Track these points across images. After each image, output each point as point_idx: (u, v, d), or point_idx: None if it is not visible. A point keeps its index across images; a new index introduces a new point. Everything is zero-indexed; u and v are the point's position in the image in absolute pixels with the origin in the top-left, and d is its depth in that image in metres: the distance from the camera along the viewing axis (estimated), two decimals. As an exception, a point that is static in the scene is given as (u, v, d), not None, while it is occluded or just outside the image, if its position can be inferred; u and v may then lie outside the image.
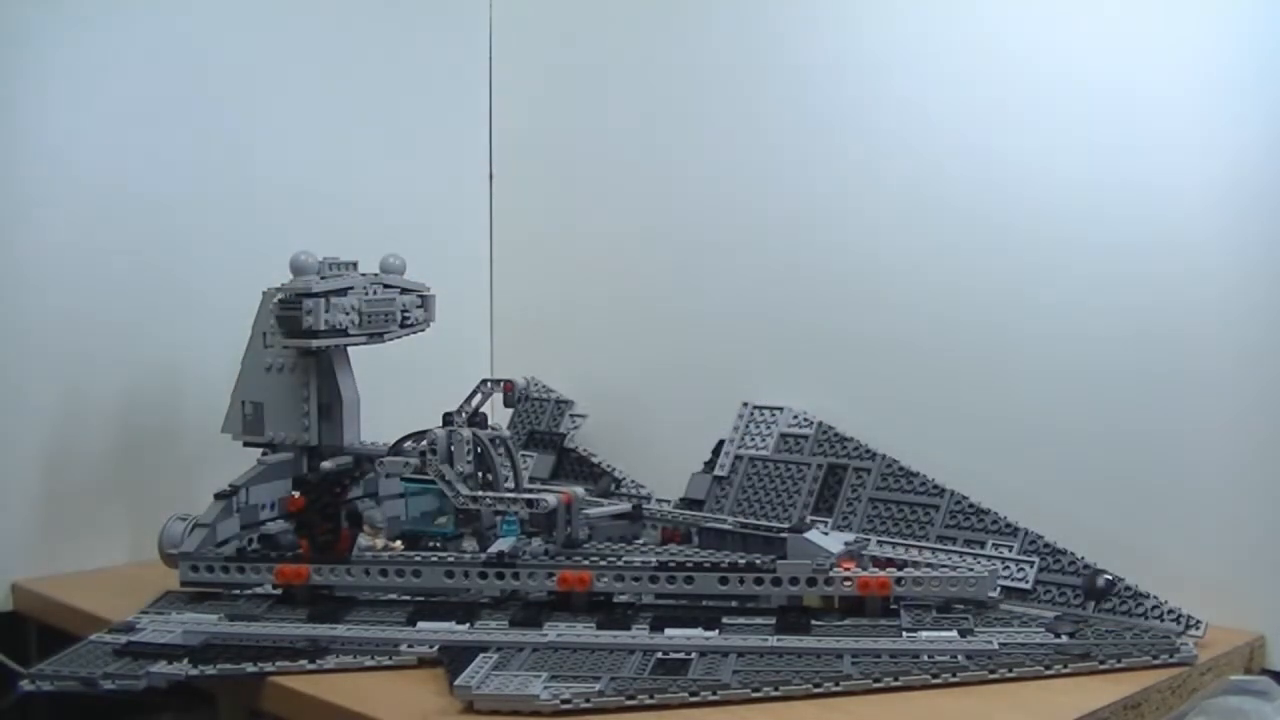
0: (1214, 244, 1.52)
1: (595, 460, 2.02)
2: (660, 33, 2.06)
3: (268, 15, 1.97)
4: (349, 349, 1.74)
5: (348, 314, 1.67)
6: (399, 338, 1.77)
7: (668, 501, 1.87)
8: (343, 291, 1.68)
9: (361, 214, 2.03)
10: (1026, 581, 1.54)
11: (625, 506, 1.80)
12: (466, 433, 1.64)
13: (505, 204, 2.27)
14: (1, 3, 1.70)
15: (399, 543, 1.69)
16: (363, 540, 1.66)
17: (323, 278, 1.68)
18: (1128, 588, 1.46)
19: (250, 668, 1.35)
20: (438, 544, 1.67)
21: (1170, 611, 1.43)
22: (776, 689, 1.27)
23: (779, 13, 1.90)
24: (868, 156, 1.82)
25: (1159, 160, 1.56)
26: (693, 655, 1.34)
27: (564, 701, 1.23)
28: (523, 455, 2.05)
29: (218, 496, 1.65)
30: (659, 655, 1.35)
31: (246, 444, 1.75)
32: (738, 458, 1.86)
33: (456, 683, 1.25)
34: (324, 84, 2.04)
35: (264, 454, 1.73)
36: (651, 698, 1.24)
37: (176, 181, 1.87)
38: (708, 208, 2.00)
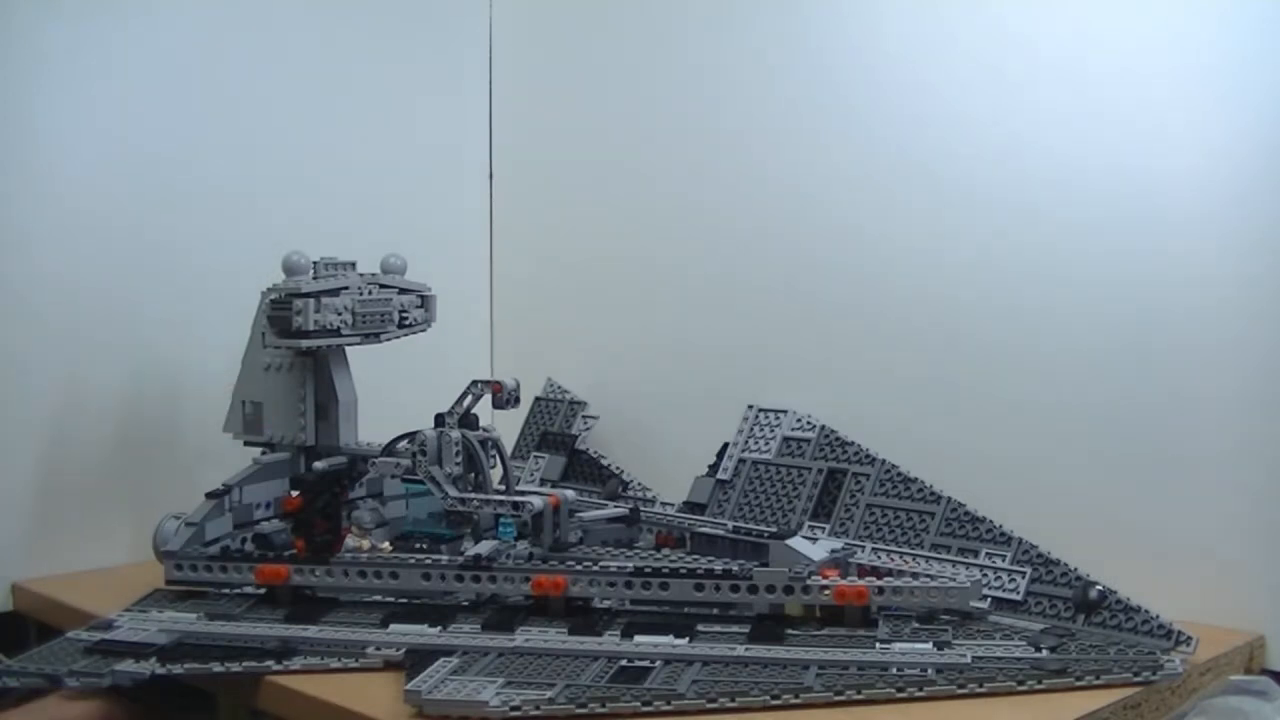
0: (1217, 252, 1.50)
1: (605, 462, 2.00)
2: (661, 33, 2.05)
3: (268, 16, 1.98)
4: (348, 349, 1.74)
5: (340, 314, 1.67)
6: (397, 338, 1.76)
7: (672, 505, 1.85)
8: (335, 292, 1.68)
9: (361, 214, 2.04)
10: (1018, 592, 1.49)
11: (622, 510, 1.77)
12: (455, 434, 1.62)
13: (505, 204, 2.26)
14: (2, 2, 1.72)
15: (387, 545, 1.69)
16: (350, 541, 1.66)
17: (316, 278, 1.68)
18: (1119, 601, 1.41)
19: (216, 668, 1.35)
20: (423, 545, 1.66)
21: (1161, 626, 1.37)
22: (733, 699, 1.24)
23: (781, 13, 1.88)
24: (876, 163, 1.80)
25: (1157, 158, 1.54)
26: (656, 663, 1.32)
27: (514, 708, 1.21)
28: (534, 456, 2.06)
29: (209, 495, 1.67)
30: (622, 663, 1.32)
31: (247, 443, 1.76)
32: (741, 461, 1.83)
33: (407, 687, 1.24)
34: (324, 84, 2.04)
35: (262, 453, 1.74)
36: (604, 706, 1.22)
37: (176, 182, 1.88)
38: (712, 209, 1.99)
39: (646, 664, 1.32)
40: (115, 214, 1.82)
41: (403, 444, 1.64)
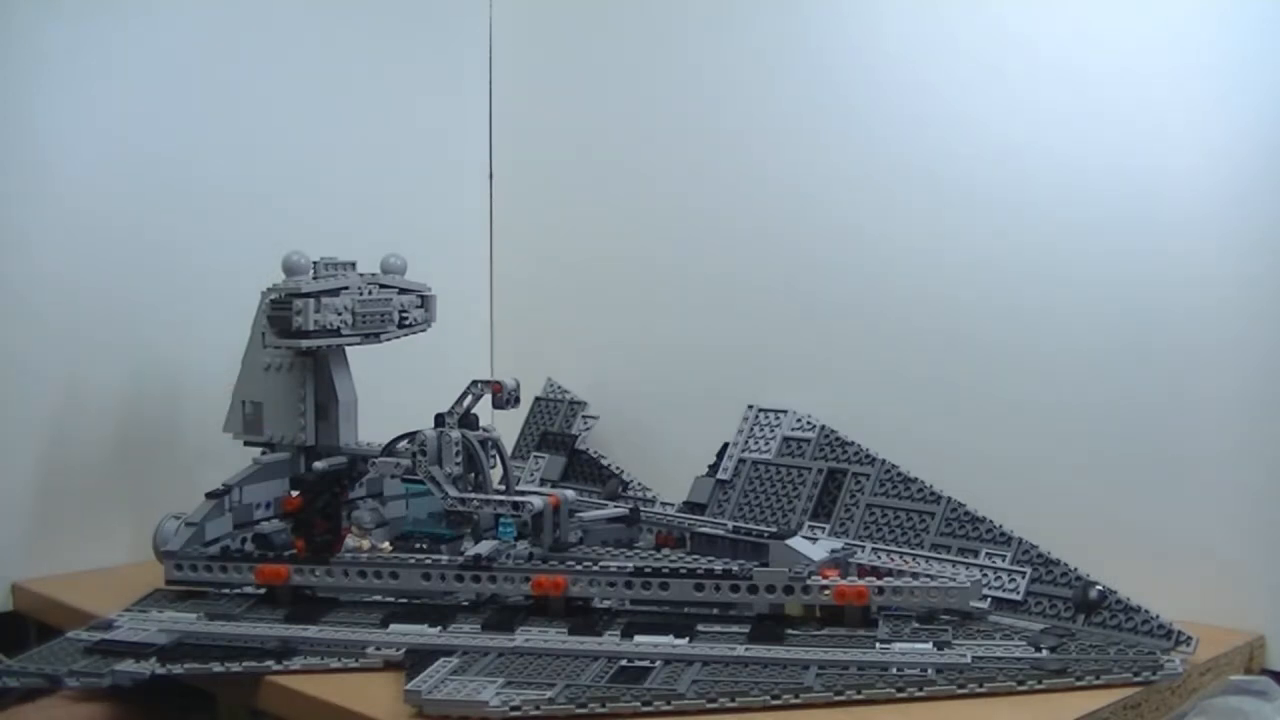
0: (1216, 252, 1.51)
1: (605, 462, 2.00)
2: (661, 33, 2.05)
3: (268, 16, 1.98)
4: (348, 349, 1.74)
5: (340, 314, 1.67)
6: (397, 338, 1.76)
7: (672, 505, 1.85)
8: (335, 292, 1.68)
9: (361, 214, 2.04)
10: (1018, 592, 1.49)
11: (622, 510, 1.77)
12: (455, 434, 1.62)
13: (505, 204, 2.26)
14: (2, 2, 1.72)
15: (387, 545, 1.69)
16: (350, 541, 1.66)
17: (316, 278, 1.68)
18: (1119, 600, 1.41)
19: (216, 668, 1.35)
20: (423, 545, 1.66)
21: (1161, 626, 1.37)
22: (733, 700, 1.24)
23: (781, 12, 1.88)
24: (876, 163, 1.80)
25: (1157, 158, 1.54)
26: (656, 663, 1.32)
27: (514, 708, 1.21)
28: (534, 456, 2.06)
29: (209, 495, 1.67)
30: (622, 663, 1.32)
31: (247, 443, 1.76)
32: (741, 461, 1.83)
33: (407, 687, 1.24)
34: (324, 84, 2.04)
35: (262, 453, 1.74)
36: (604, 706, 1.22)
37: (176, 182, 1.88)
38: (712, 209, 1.99)
39: (646, 664, 1.32)
40: (115, 214, 1.82)
41: (403, 444, 1.64)
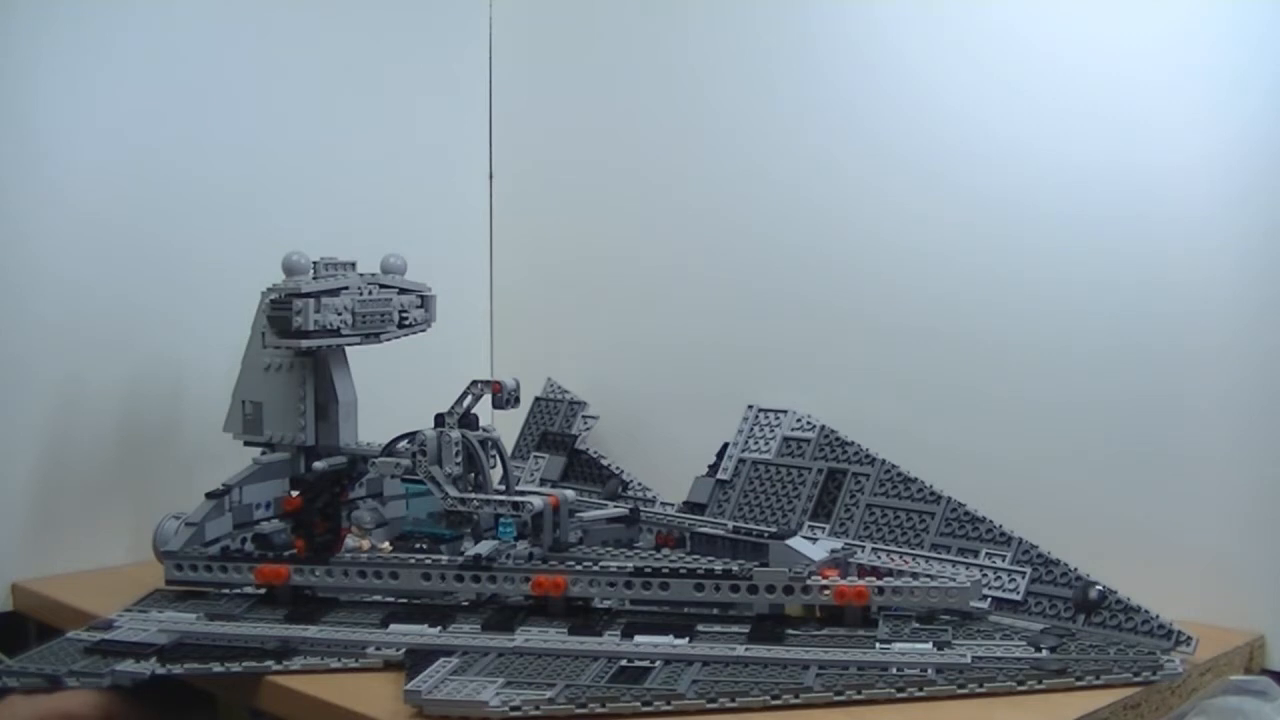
0: (1217, 252, 1.50)
1: (605, 462, 2.00)
2: (661, 33, 2.05)
3: (268, 16, 1.98)
4: (348, 349, 1.75)
5: (340, 314, 1.67)
6: (397, 338, 1.76)
7: (672, 505, 1.85)
8: (335, 292, 1.68)
9: (361, 214, 2.04)
10: (1018, 592, 1.49)
11: (622, 510, 1.77)
12: (455, 434, 1.62)
13: (505, 204, 2.26)
14: (2, 2, 1.72)
15: (387, 545, 1.69)
16: (350, 541, 1.66)
17: (316, 278, 1.68)
18: (1119, 600, 1.41)
19: (217, 668, 1.35)
20: (423, 545, 1.66)
21: (1161, 626, 1.37)
22: (733, 700, 1.24)
23: (781, 13, 1.89)
24: (877, 164, 1.80)
25: (1157, 158, 1.54)
26: (656, 663, 1.32)
27: (514, 708, 1.21)
28: (534, 456, 2.06)
29: (209, 496, 1.67)
30: (622, 663, 1.32)
31: (247, 443, 1.76)
32: (741, 461, 1.83)
33: (407, 687, 1.24)
34: (324, 84, 2.04)
35: (262, 453, 1.74)
36: (604, 706, 1.22)
37: (176, 182, 1.88)
38: (712, 209, 1.99)
39: (646, 664, 1.32)
40: (115, 214, 1.82)
41: (403, 444, 1.64)
